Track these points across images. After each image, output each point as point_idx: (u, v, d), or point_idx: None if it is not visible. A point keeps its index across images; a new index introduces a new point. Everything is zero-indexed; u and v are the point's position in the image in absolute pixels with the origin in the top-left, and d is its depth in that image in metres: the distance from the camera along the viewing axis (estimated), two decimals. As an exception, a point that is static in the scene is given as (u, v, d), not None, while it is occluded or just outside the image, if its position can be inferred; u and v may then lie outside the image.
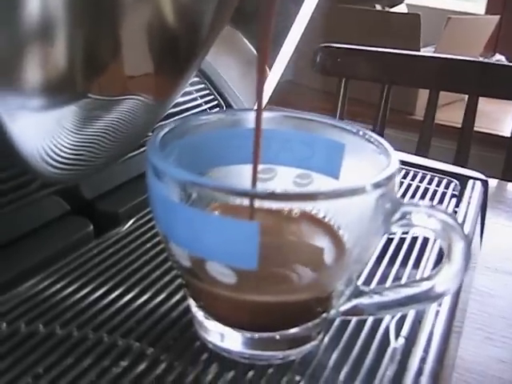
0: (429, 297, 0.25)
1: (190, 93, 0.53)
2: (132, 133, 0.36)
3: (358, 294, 0.26)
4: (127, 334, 0.28)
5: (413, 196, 0.45)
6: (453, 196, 0.47)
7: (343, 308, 0.26)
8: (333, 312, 0.27)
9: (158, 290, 0.31)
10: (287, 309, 0.24)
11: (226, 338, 0.26)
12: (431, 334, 0.29)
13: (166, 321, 0.29)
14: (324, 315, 0.26)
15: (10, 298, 0.30)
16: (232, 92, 0.57)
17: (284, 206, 0.23)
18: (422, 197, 0.45)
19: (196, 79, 0.55)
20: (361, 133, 0.28)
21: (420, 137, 0.98)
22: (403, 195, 0.45)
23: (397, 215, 0.24)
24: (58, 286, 0.31)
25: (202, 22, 0.34)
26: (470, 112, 0.95)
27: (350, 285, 0.26)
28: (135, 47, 0.30)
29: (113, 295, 0.31)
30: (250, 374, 0.26)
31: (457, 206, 0.45)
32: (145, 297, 0.31)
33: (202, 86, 0.55)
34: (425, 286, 0.25)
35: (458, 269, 0.24)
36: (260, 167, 0.31)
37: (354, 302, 0.26)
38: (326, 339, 0.28)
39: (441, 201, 0.45)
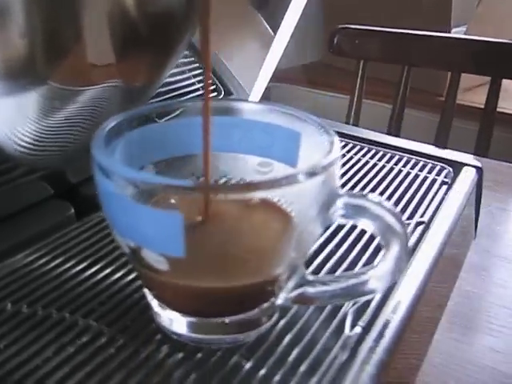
0: (360, 291, 0.25)
1: (188, 78, 0.54)
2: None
3: (304, 282, 0.27)
4: (88, 315, 0.29)
5: (400, 183, 0.45)
6: (443, 183, 0.46)
7: (291, 295, 0.27)
8: (281, 298, 0.27)
9: (130, 270, 0.32)
10: (230, 295, 0.25)
11: (174, 322, 0.27)
12: (386, 323, 0.30)
13: (127, 302, 0.30)
14: (271, 301, 0.27)
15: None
16: (232, 77, 0.57)
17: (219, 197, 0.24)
18: (410, 184, 0.45)
19: (193, 62, 0.55)
20: (315, 122, 0.28)
21: (441, 118, 0.96)
22: (391, 182, 0.45)
23: (337, 206, 0.24)
24: (35, 265, 0.33)
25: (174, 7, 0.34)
26: (493, 94, 0.93)
27: (296, 272, 0.26)
28: (101, 31, 0.31)
29: (85, 274, 0.32)
30: (199, 355, 0.27)
31: (446, 193, 0.45)
32: (114, 277, 0.32)
33: (200, 69, 0.55)
34: (359, 280, 0.25)
35: (387, 270, 0.24)
36: (222, 156, 0.32)
37: (301, 289, 0.27)
38: (281, 324, 0.29)
39: (429, 188, 0.45)
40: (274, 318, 0.29)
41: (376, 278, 0.25)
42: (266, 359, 0.27)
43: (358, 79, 0.97)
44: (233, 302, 0.26)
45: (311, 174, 0.23)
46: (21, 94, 0.30)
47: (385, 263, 0.24)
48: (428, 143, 0.55)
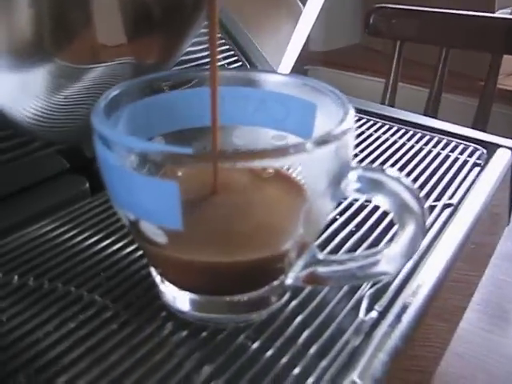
0: (372, 273, 0.24)
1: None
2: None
3: (315, 261, 0.25)
4: (94, 289, 0.28)
5: (430, 163, 0.43)
6: (475, 165, 0.44)
7: (301, 274, 0.25)
8: (291, 277, 0.26)
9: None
10: (234, 271, 0.24)
11: (177, 300, 0.26)
12: (404, 308, 0.28)
13: (134, 278, 0.29)
14: (280, 280, 0.26)
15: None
16: (258, 52, 0.56)
17: (227, 165, 0.22)
18: (440, 165, 0.43)
19: (220, 39, 0.54)
20: (331, 93, 0.26)
21: (479, 103, 0.92)
22: (419, 162, 0.43)
23: (350, 179, 0.23)
24: (46, 237, 0.32)
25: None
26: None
27: (306, 250, 0.25)
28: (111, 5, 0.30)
29: (95, 248, 0.32)
30: (203, 334, 0.26)
31: (477, 175, 0.42)
32: (123, 252, 0.31)
33: (224, 44, 0.54)
34: (370, 260, 0.23)
35: (400, 252, 0.22)
36: (236, 128, 0.30)
37: (311, 268, 0.25)
38: (293, 304, 0.28)
39: (460, 169, 0.43)
40: (285, 298, 0.28)
41: (387, 259, 0.23)
42: (275, 340, 0.26)
43: (394, 61, 0.94)
44: (237, 279, 0.24)
45: (321, 142, 0.21)
46: (33, 70, 0.29)
47: (397, 244, 0.23)
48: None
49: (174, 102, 0.28)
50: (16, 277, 0.29)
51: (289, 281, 0.26)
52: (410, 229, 0.22)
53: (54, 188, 0.36)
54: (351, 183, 0.22)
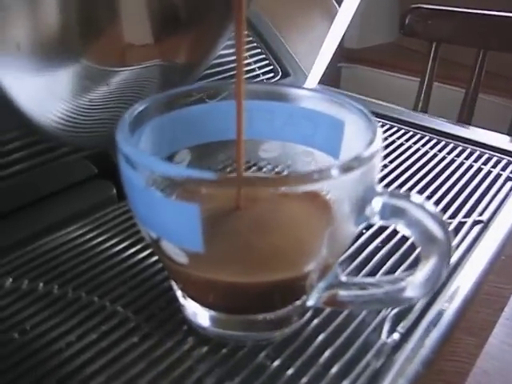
0: (395, 299, 0.23)
1: (244, 57, 0.53)
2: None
3: (337, 283, 0.25)
4: (117, 300, 0.29)
5: (461, 177, 0.42)
6: (509, 179, 0.43)
7: (323, 296, 0.25)
8: (312, 299, 0.26)
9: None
10: (254, 291, 0.24)
11: (197, 316, 0.26)
12: (427, 332, 0.28)
13: (158, 289, 0.29)
14: (302, 300, 0.25)
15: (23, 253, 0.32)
16: (290, 57, 0.55)
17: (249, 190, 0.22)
18: (472, 178, 0.42)
19: (251, 42, 0.53)
20: (358, 110, 0.26)
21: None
22: (450, 175, 0.42)
23: (374, 205, 0.22)
24: (71, 244, 0.32)
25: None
26: None
27: (328, 272, 0.25)
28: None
29: (121, 256, 0.32)
30: (224, 351, 0.26)
31: (511, 190, 0.41)
32: (148, 262, 0.31)
33: (256, 47, 0.54)
34: (395, 287, 0.23)
35: (424, 280, 0.22)
36: (262, 142, 0.30)
37: (333, 291, 0.25)
38: (314, 323, 0.28)
39: (492, 184, 0.41)
40: (307, 317, 0.28)
41: (412, 286, 0.23)
42: (295, 359, 0.26)
43: (430, 62, 0.92)
44: (258, 300, 0.24)
45: (347, 168, 0.21)
46: (60, 73, 0.30)
47: (421, 273, 0.22)
48: (502, 132, 0.51)
49: (201, 115, 0.28)
50: (41, 284, 0.29)
51: (310, 302, 0.25)
52: (433, 259, 0.21)
53: (81, 194, 0.37)
54: (375, 209, 0.22)
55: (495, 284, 0.42)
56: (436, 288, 0.23)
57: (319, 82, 0.60)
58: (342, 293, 0.24)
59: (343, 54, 1.64)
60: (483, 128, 0.71)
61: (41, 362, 0.25)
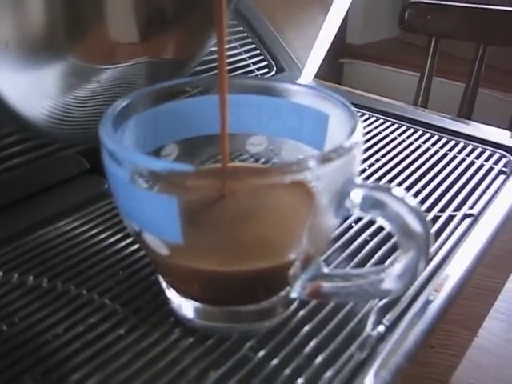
0: (374, 292, 0.23)
1: (239, 53, 0.53)
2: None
3: (320, 274, 0.25)
4: (105, 293, 0.29)
5: (452, 170, 0.42)
6: (501, 173, 0.43)
7: (306, 288, 0.25)
8: (296, 291, 0.26)
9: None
10: (236, 281, 0.24)
11: (182, 307, 0.26)
12: (411, 325, 0.28)
13: (144, 283, 0.30)
14: (285, 292, 0.26)
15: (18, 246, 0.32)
16: (285, 52, 0.55)
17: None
18: (464, 172, 0.42)
19: (246, 37, 0.54)
20: (343, 103, 0.26)
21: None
22: (442, 169, 0.42)
23: (354, 197, 0.22)
24: (60, 239, 0.33)
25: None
26: None
27: (311, 263, 0.25)
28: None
29: (111, 250, 0.32)
30: (209, 342, 0.26)
31: (502, 184, 0.41)
32: (138, 255, 0.32)
33: (252, 44, 0.54)
34: (373, 278, 0.23)
35: (400, 274, 0.22)
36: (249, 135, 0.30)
37: (316, 283, 0.25)
38: (300, 314, 0.28)
39: (484, 177, 0.42)
40: (293, 308, 0.28)
41: (391, 278, 0.23)
42: (280, 350, 0.26)
43: (429, 57, 0.92)
44: (240, 290, 0.24)
45: (325, 160, 0.21)
46: (49, 68, 0.30)
47: (398, 266, 0.22)
48: (502, 126, 0.51)
49: (187, 109, 0.28)
50: (31, 278, 0.30)
51: (293, 294, 0.26)
52: (410, 253, 0.22)
53: (73, 189, 0.37)
54: (355, 201, 0.22)
55: (489, 278, 0.42)
56: (414, 281, 0.23)
57: (319, 78, 0.60)
58: (326, 284, 0.25)
59: (345, 49, 1.64)
60: (484, 122, 0.71)
61: (28, 353, 0.25)
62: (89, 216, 0.35)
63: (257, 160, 0.31)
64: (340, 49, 1.65)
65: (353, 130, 0.23)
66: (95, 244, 0.33)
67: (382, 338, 0.27)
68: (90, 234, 0.33)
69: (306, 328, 0.27)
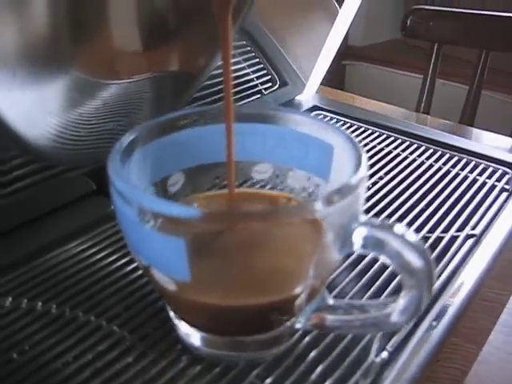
0: (382, 325, 0.24)
1: (242, 68, 0.53)
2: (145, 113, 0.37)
3: (324, 306, 0.25)
4: (113, 319, 0.29)
5: (455, 188, 0.42)
6: (503, 190, 0.43)
7: (310, 320, 0.26)
8: (301, 322, 0.26)
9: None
10: (243, 314, 0.24)
11: (190, 336, 0.26)
12: (414, 351, 0.28)
13: (151, 308, 0.30)
14: (291, 322, 0.26)
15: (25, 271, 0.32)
16: (289, 66, 0.55)
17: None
18: (466, 190, 0.42)
19: (249, 52, 0.54)
20: (347, 135, 0.26)
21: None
22: (445, 187, 0.43)
23: (357, 236, 0.23)
24: (73, 260, 0.33)
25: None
26: None
27: (316, 295, 0.25)
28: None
29: (118, 274, 0.33)
30: (216, 370, 0.27)
31: (505, 202, 0.42)
32: (145, 279, 0.32)
33: (255, 59, 0.54)
34: (378, 313, 0.24)
35: (403, 309, 0.23)
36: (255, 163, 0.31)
37: (321, 315, 0.25)
38: (305, 342, 0.28)
39: (487, 195, 0.42)
40: (298, 336, 0.28)
41: (397, 312, 0.23)
42: (286, 377, 0.27)
43: (432, 63, 0.92)
44: (247, 322, 0.25)
45: (331, 201, 0.21)
46: (52, 85, 0.30)
47: (404, 300, 0.23)
48: (504, 128, 0.51)
49: (192, 139, 0.29)
50: (40, 303, 0.30)
51: (298, 325, 0.26)
52: (413, 290, 0.22)
53: (79, 211, 0.37)
54: (358, 240, 0.22)
55: (495, 290, 0.42)
56: (418, 314, 0.23)
57: (322, 81, 0.60)
58: (330, 317, 0.25)
59: (347, 51, 1.64)
60: (486, 126, 0.71)
61: (39, 382, 0.26)
62: (96, 238, 0.35)
63: (263, 186, 0.31)
64: (342, 51, 1.65)
65: (358, 166, 0.23)
66: (103, 267, 0.33)
67: (386, 363, 0.28)
68: (97, 256, 0.34)
69: (312, 354, 0.28)
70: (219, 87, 0.48)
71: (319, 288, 0.25)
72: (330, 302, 0.26)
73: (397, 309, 0.23)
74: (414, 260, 0.21)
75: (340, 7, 0.58)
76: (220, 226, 0.21)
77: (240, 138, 0.29)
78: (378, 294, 0.31)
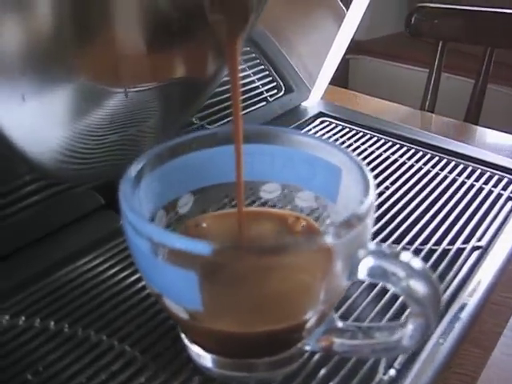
0: (390, 350, 0.24)
1: (247, 75, 0.53)
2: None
3: (333, 329, 0.26)
4: (125, 338, 0.30)
5: (461, 198, 0.43)
6: (509, 199, 0.43)
7: (319, 343, 0.26)
8: (310, 345, 0.27)
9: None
10: (254, 340, 0.25)
11: (201, 357, 0.27)
12: (422, 369, 0.28)
13: (162, 327, 0.30)
14: (301, 343, 0.26)
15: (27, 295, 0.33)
16: (294, 72, 0.55)
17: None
18: (473, 199, 0.42)
19: (254, 58, 0.54)
20: (355, 158, 0.27)
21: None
22: (451, 196, 0.43)
23: (364, 265, 0.23)
24: (83, 278, 0.34)
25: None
26: None
27: (325, 319, 0.26)
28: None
29: (129, 291, 0.33)
30: (228, 391, 0.27)
31: (511, 211, 0.42)
32: (150, 300, 0.32)
33: (260, 65, 0.54)
34: (391, 338, 0.24)
35: (413, 333, 0.23)
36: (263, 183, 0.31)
37: (330, 338, 0.26)
38: (314, 360, 0.29)
39: (493, 204, 0.42)
40: (307, 354, 0.29)
41: (405, 337, 0.23)
42: (297, 396, 0.27)
43: (436, 61, 0.91)
44: (257, 347, 0.25)
45: (340, 234, 0.22)
46: (59, 96, 0.30)
47: (412, 326, 0.23)
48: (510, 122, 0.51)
49: (201, 160, 0.29)
50: (52, 323, 0.31)
51: (308, 347, 0.27)
52: (420, 317, 0.22)
53: (89, 225, 0.38)
54: (365, 270, 0.23)
55: (505, 294, 0.43)
56: (425, 339, 0.24)
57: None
58: (338, 341, 0.26)
59: (351, 45, 1.63)
60: (492, 120, 0.71)
61: (53, 404, 0.26)
62: (107, 253, 0.36)
63: (272, 206, 0.32)
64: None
65: (366, 193, 0.24)
66: (114, 284, 0.33)
67: (394, 381, 0.28)
68: (109, 273, 0.34)
69: (321, 373, 0.28)
70: (227, 95, 0.48)
71: (328, 312, 0.25)
72: (339, 324, 0.26)
73: (406, 334, 0.23)
74: (420, 288, 0.22)
75: (347, 10, 0.58)
76: (231, 260, 0.21)
77: (248, 159, 0.29)
78: (384, 312, 0.32)
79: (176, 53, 0.37)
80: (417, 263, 0.22)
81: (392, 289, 0.22)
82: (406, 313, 0.30)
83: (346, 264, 0.23)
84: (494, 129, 0.67)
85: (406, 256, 0.22)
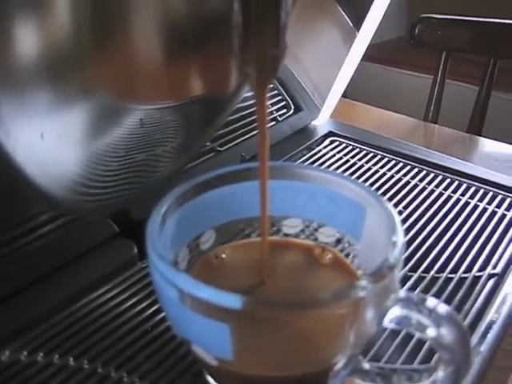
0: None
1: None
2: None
3: (359, 370, 0.26)
4: (146, 376, 0.29)
5: (475, 223, 0.42)
6: (515, 220, 0.43)
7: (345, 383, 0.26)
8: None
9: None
10: (285, 381, 0.24)
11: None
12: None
13: (183, 363, 0.30)
14: (326, 385, 0.26)
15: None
16: (303, 91, 0.55)
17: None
18: (486, 223, 0.42)
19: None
20: (381, 199, 0.27)
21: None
22: (464, 221, 0.43)
23: (391, 314, 0.23)
24: (98, 312, 0.33)
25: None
26: None
27: (351, 361, 0.25)
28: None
29: (147, 324, 0.33)
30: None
31: (521, 234, 0.42)
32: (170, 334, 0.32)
33: (270, 86, 0.54)
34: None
35: (445, 380, 0.23)
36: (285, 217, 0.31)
37: (355, 380, 0.26)
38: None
39: (508, 228, 0.42)
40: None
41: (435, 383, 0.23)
42: None
43: (440, 71, 0.91)
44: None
45: (370, 287, 0.22)
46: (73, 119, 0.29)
47: (443, 373, 0.23)
48: None
49: (224, 197, 0.29)
50: (71, 359, 0.30)
51: (333, 389, 0.26)
52: (451, 366, 0.22)
53: (104, 255, 0.37)
54: (392, 319, 0.23)
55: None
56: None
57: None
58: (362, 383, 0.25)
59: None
60: (496, 128, 0.70)
61: None
62: (123, 284, 0.35)
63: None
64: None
65: (395, 240, 0.24)
66: (133, 317, 0.33)
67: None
68: (126, 305, 0.34)
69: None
70: (238, 115, 0.48)
71: (356, 355, 0.25)
72: (366, 366, 0.26)
73: (438, 380, 0.23)
74: (448, 335, 0.22)
75: (358, 30, 0.58)
76: (263, 314, 0.21)
77: (271, 194, 0.29)
78: (412, 356, 0.31)
79: (196, 69, 0.36)
80: (443, 308, 0.22)
81: (421, 336, 0.22)
82: (435, 357, 0.30)
83: (374, 312, 0.23)
84: (497, 136, 0.67)
85: (431, 302, 0.22)
